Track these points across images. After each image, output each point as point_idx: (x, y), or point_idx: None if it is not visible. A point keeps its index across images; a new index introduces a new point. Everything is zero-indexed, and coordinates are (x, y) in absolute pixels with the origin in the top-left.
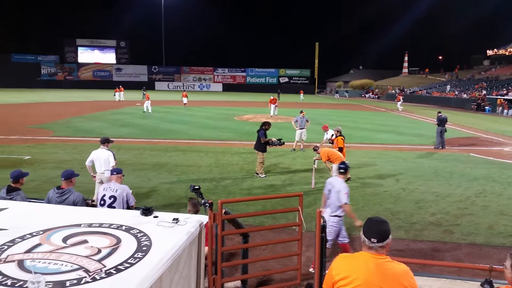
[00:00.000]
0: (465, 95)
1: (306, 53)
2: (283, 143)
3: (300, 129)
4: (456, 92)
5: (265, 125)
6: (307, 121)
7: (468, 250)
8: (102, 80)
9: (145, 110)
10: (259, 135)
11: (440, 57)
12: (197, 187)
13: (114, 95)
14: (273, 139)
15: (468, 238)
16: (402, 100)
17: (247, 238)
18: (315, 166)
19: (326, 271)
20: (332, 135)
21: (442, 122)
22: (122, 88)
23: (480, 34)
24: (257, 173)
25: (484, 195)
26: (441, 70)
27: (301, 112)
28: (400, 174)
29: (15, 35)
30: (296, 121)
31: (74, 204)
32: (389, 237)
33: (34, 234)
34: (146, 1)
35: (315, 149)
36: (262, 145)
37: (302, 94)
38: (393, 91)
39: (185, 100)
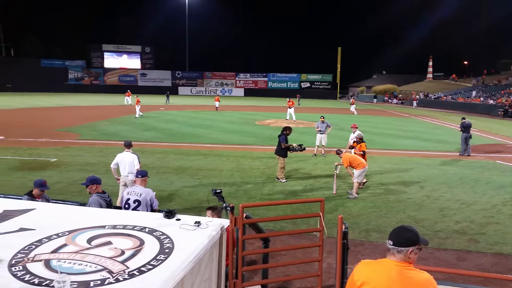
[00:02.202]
0: (491, 101)
1: (328, 58)
2: (304, 149)
3: (320, 134)
4: (482, 98)
5: (286, 130)
6: (328, 126)
7: (494, 260)
8: (127, 84)
9: (137, 116)
10: (279, 140)
11: (466, 62)
12: (219, 190)
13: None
14: (294, 144)
15: (494, 247)
16: (355, 104)
17: (267, 243)
18: (337, 172)
19: (347, 279)
20: (354, 141)
21: (466, 128)
22: (130, 93)
23: (507, 38)
24: (278, 178)
25: (511, 203)
26: (464, 76)
27: (321, 117)
28: (424, 181)
29: (44, 41)
30: (317, 127)
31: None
32: (410, 246)
33: (60, 234)
34: (170, 7)
35: (338, 152)
36: (282, 150)
37: (299, 98)
38: (417, 96)
39: (217, 104)
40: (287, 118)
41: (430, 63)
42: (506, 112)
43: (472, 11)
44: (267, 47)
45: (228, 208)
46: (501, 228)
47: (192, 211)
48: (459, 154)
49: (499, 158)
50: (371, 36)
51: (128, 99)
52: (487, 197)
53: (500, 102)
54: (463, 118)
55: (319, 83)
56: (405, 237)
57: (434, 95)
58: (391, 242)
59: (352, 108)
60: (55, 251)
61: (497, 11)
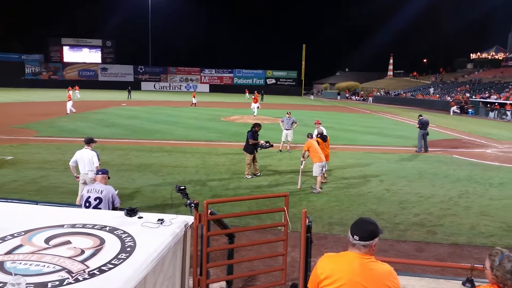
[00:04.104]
0: (448, 98)
1: (293, 55)
2: (272, 145)
3: (286, 130)
4: (439, 95)
5: (256, 127)
6: (294, 122)
7: (450, 250)
8: (87, 79)
9: (68, 112)
10: (248, 136)
11: (425, 60)
12: (183, 187)
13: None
14: (262, 141)
15: (450, 238)
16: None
17: (232, 239)
18: (302, 167)
19: (310, 272)
20: (317, 135)
21: (423, 125)
22: (78, 87)
23: (465, 38)
24: (255, 173)
25: (466, 196)
26: (424, 73)
27: (288, 113)
28: (384, 175)
29: None
30: (283, 121)
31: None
32: (374, 239)
33: (15, 235)
34: (132, 0)
35: (308, 136)
36: (250, 147)
37: (247, 94)
38: (378, 93)
39: (194, 100)
40: (255, 114)
41: (391, 61)
42: (462, 109)
43: (433, 12)
44: (232, 43)
45: (192, 204)
46: (457, 219)
47: (156, 209)
48: (416, 151)
49: (455, 152)
50: (335, 34)
51: (77, 93)
52: (444, 190)
53: (457, 98)
54: (420, 115)
55: (285, 80)
56: (368, 231)
57: (395, 92)
58: (357, 238)
59: (255, 107)
60: (9, 252)
61: (456, 13)
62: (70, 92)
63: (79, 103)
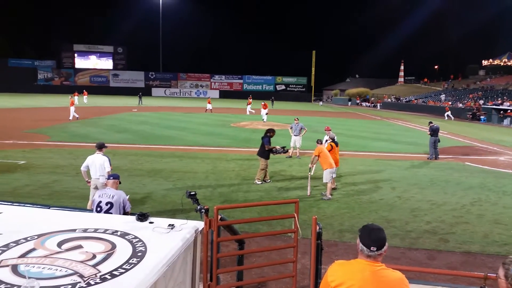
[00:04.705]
0: (460, 105)
1: (303, 61)
2: (287, 151)
3: (295, 136)
4: (450, 102)
5: (270, 132)
6: (302, 128)
7: (463, 258)
8: (99, 85)
9: (70, 118)
10: (263, 141)
11: (436, 67)
12: (193, 193)
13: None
14: (277, 147)
15: (463, 246)
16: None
17: (242, 245)
18: (311, 174)
19: (321, 279)
20: (326, 140)
21: (434, 132)
22: (77, 93)
23: (476, 44)
24: (265, 179)
25: (479, 203)
26: (435, 80)
27: (296, 119)
28: (395, 182)
29: (12, 39)
30: (291, 127)
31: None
32: (386, 244)
33: (28, 239)
34: (144, 7)
35: (318, 142)
36: (265, 152)
37: (273, 102)
38: (389, 99)
39: (209, 106)
40: (264, 120)
41: (402, 67)
42: (474, 115)
43: (444, 18)
44: (242, 49)
45: (202, 210)
46: (470, 227)
47: (166, 214)
48: (428, 158)
49: (467, 160)
50: (345, 40)
51: (76, 99)
52: (456, 198)
53: (469, 105)
54: (431, 122)
55: (294, 86)
56: (383, 239)
57: (405, 99)
58: (374, 249)
59: (263, 113)
60: (23, 255)
61: (467, 19)
62: (76, 97)
63: (91, 108)
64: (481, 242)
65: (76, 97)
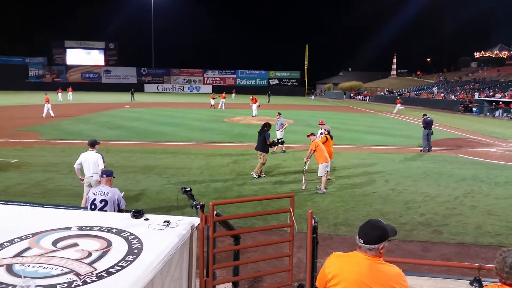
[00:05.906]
0: (452, 97)
1: (296, 55)
2: (283, 142)
3: (277, 131)
4: (443, 94)
5: (267, 126)
6: (282, 124)
7: (457, 249)
8: (91, 82)
9: (43, 115)
10: (264, 136)
11: (429, 59)
12: (189, 189)
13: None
14: (275, 139)
15: (456, 237)
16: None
17: (238, 240)
18: (306, 168)
19: (317, 273)
20: (321, 133)
21: (428, 124)
22: (61, 90)
23: (468, 36)
24: (259, 174)
25: (472, 195)
26: (427, 72)
27: (278, 113)
28: (389, 175)
29: (2, 36)
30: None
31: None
32: (379, 243)
33: (23, 237)
34: (135, 2)
35: (311, 137)
36: (266, 146)
37: (233, 94)
38: (382, 93)
39: (212, 101)
40: (253, 114)
41: (394, 60)
42: (467, 108)
43: (436, 10)
44: (235, 44)
45: (198, 206)
46: (463, 219)
47: (161, 211)
48: (421, 151)
49: (460, 151)
50: (338, 34)
51: (59, 96)
52: (449, 190)
53: (461, 97)
54: (424, 115)
55: (287, 80)
56: (375, 236)
57: (398, 91)
58: (361, 241)
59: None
60: (18, 255)
61: (459, 11)
62: (59, 94)
63: (83, 105)
64: (474, 233)
65: (59, 94)
